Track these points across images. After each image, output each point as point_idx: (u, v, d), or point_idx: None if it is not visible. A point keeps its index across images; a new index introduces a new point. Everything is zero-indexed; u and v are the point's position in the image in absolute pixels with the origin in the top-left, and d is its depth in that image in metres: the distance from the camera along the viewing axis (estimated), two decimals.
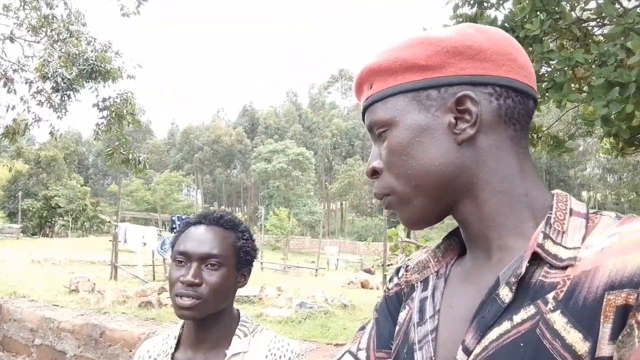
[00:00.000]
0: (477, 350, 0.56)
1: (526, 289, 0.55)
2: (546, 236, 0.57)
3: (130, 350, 3.15)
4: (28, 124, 8.25)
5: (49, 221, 37.99)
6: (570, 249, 0.55)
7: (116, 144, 8.05)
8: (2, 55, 7.80)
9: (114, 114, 8.08)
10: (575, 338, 0.48)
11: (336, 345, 3.17)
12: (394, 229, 10.15)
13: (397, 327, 0.74)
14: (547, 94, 2.68)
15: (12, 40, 7.90)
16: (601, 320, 0.47)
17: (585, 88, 2.87)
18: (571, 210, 0.60)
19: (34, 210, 36.19)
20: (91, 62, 7.70)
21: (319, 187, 71.68)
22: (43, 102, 8.07)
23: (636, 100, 2.46)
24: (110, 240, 13.26)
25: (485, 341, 0.55)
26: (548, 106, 2.90)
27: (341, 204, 72.36)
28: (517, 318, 0.54)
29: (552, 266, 0.55)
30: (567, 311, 0.50)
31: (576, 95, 2.88)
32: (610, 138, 3.23)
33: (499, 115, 0.62)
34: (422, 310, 0.69)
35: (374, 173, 0.69)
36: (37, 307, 4.10)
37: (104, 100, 8.27)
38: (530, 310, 0.53)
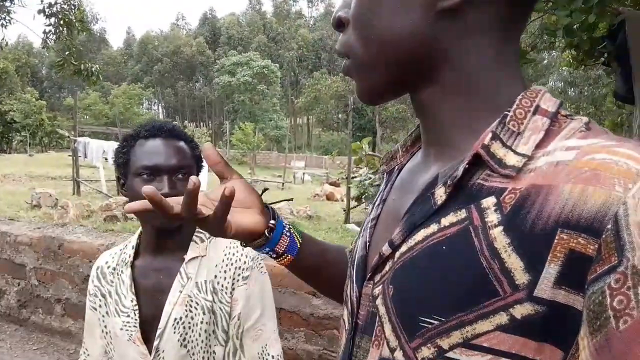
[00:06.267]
0: (403, 249, 0.53)
1: (462, 191, 0.49)
2: (495, 136, 0.49)
3: (90, 261, 3.19)
4: None
5: (5, 137, 36.56)
6: (520, 154, 0.47)
7: (67, 53, 7.56)
8: None
9: (62, 20, 7.51)
10: (515, 265, 0.43)
11: None
12: (358, 142, 10.26)
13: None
14: None
15: None
16: (548, 258, 0.41)
17: None
18: (537, 107, 0.50)
19: None
20: None
21: (285, 102, 70.64)
22: None
23: (599, 11, 2.45)
24: (69, 156, 12.95)
25: (411, 241, 0.52)
26: None
27: (307, 119, 71.89)
28: (445, 221, 0.49)
29: (494, 171, 0.48)
30: (511, 231, 0.44)
31: (541, 5, 2.84)
32: (572, 50, 3.25)
33: None
34: (376, 202, 0.68)
35: (339, 24, 0.59)
36: None
37: (50, 5, 7.63)
38: (461, 214, 0.48)
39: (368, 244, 0.64)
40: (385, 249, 0.55)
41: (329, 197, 13.59)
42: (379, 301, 0.55)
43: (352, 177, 9.74)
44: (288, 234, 0.74)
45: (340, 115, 52.87)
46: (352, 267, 0.66)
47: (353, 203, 9.36)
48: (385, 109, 38.82)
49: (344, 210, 8.78)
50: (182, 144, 1.22)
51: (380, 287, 0.55)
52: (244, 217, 0.69)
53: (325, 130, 63.05)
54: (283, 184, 18.98)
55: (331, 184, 17.67)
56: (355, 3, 0.55)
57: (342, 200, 11.83)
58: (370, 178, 9.52)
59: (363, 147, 10.07)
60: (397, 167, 0.69)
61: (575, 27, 2.58)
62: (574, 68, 3.49)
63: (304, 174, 25.22)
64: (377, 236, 0.63)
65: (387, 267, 0.55)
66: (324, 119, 55.65)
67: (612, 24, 2.80)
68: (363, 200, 9.85)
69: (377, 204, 0.68)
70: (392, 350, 0.51)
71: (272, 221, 0.73)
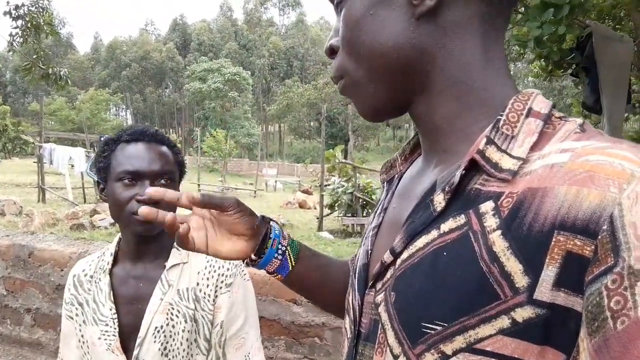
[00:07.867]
0: (405, 255, 0.53)
1: (460, 197, 0.50)
2: (490, 141, 0.49)
3: (62, 270, 3.08)
4: None
5: None
6: (515, 157, 0.48)
7: (34, 57, 7.33)
8: None
9: (29, 23, 7.29)
10: (515, 268, 0.43)
11: None
12: (331, 150, 10.31)
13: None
14: None
15: None
16: (546, 261, 0.42)
17: (522, 10, 2.91)
18: (529, 110, 0.50)
19: None
20: None
21: (257, 109, 70.47)
22: None
23: (568, 22, 2.54)
24: (34, 162, 12.58)
25: (412, 248, 0.52)
26: None
27: (279, 126, 71.79)
28: (444, 227, 0.49)
29: (491, 175, 0.48)
30: (509, 234, 0.44)
31: (512, 17, 2.91)
32: (541, 60, 3.34)
33: None
34: (377, 211, 0.69)
35: (332, 52, 0.62)
36: None
37: (17, 7, 7.40)
38: (460, 219, 0.48)
39: (370, 252, 0.64)
40: (387, 257, 0.56)
41: (301, 205, 13.59)
42: (381, 308, 0.55)
43: (325, 185, 9.76)
44: (281, 257, 0.73)
45: (312, 123, 52.99)
46: (354, 276, 0.66)
47: (326, 211, 9.38)
48: (357, 117, 39.13)
49: (317, 218, 8.77)
50: (164, 148, 1.19)
51: (382, 294, 0.55)
52: (224, 244, 0.71)
53: (297, 138, 63.09)
54: (255, 191, 18.86)
55: (303, 191, 17.65)
56: (343, 27, 0.58)
57: (315, 208, 11.83)
58: (342, 186, 9.57)
59: (336, 154, 10.13)
60: (397, 175, 0.70)
61: (545, 38, 2.66)
62: (543, 79, 3.60)
63: (276, 181, 25.16)
64: (378, 244, 0.63)
65: (388, 275, 0.55)
66: (296, 127, 55.69)
67: (580, 36, 2.90)
68: (336, 208, 9.89)
69: (378, 212, 0.68)
70: (396, 357, 0.51)
71: (266, 246, 0.73)
